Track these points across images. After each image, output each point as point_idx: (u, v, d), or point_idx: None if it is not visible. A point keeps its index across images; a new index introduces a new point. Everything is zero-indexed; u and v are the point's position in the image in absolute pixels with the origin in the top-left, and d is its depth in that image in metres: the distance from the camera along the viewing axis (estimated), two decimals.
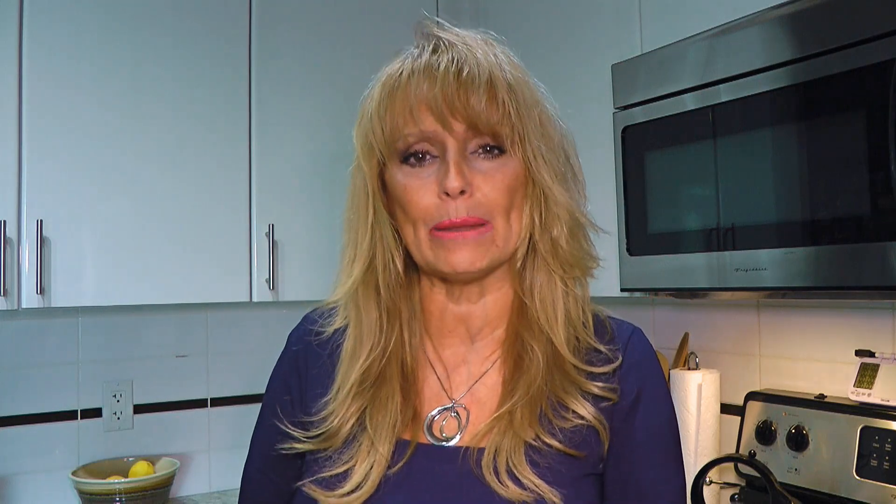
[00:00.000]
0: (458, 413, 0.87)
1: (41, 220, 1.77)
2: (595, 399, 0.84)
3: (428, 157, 0.83)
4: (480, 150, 0.83)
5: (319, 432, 0.86)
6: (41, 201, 1.79)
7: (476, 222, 0.82)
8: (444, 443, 0.85)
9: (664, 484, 0.87)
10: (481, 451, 0.82)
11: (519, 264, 0.88)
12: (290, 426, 0.89)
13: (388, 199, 0.87)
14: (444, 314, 0.90)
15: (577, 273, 0.88)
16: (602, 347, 0.87)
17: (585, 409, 0.83)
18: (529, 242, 0.87)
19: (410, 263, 0.90)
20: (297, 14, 2.11)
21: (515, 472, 0.80)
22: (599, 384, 0.84)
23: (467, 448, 0.83)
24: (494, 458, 0.81)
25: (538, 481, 0.79)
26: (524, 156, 0.84)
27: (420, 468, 0.84)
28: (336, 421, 0.86)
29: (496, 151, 0.83)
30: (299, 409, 0.91)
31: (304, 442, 0.87)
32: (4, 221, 1.73)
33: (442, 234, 0.82)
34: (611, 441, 0.85)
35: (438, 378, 0.89)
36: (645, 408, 0.86)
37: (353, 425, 0.85)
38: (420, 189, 0.83)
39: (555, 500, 0.79)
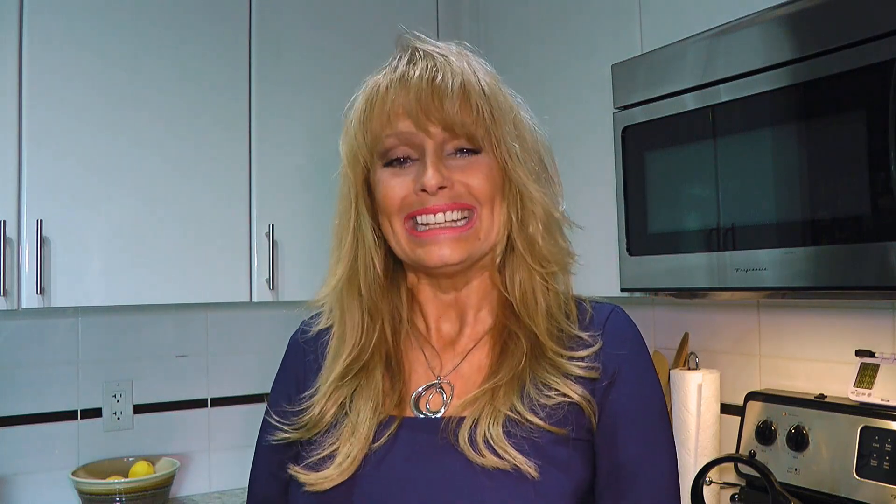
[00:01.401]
0: (442, 388, 0.90)
1: (41, 220, 1.77)
2: (578, 379, 0.87)
3: (409, 160, 0.87)
4: (456, 152, 0.87)
5: (303, 422, 0.90)
6: (41, 201, 1.79)
7: (461, 207, 0.86)
8: (430, 416, 0.89)
9: (647, 463, 0.87)
10: (461, 421, 0.85)
11: (499, 261, 0.92)
12: (277, 418, 0.93)
13: (373, 202, 0.91)
14: (433, 301, 0.94)
15: (554, 269, 0.91)
16: (583, 334, 0.90)
17: (569, 388, 0.85)
18: (508, 241, 0.91)
19: (394, 261, 0.94)
20: (297, 15, 2.11)
21: (492, 441, 0.82)
22: (581, 364, 0.87)
23: (449, 418, 0.86)
24: (472, 428, 0.84)
25: (514, 452, 0.82)
26: (500, 156, 0.88)
27: (401, 440, 0.87)
28: (317, 410, 0.90)
29: (472, 152, 0.87)
30: (288, 404, 0.95)
31: (290, 432, 0.91)
32: (4, 221, 1.73)
33: (420, 233, 0.87)
34: (598, 415, 0.87)
35: (427, 358, 0.93)
36: (623, 384, 0.88)
37: (335, 412, 0.89)
38: (397, 185, 0.87)
39: (530, 470, 0.81)
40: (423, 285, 0.94)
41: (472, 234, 0.87)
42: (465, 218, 0.87)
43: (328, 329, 0.96)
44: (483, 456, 0.82)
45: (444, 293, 0.93)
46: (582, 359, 0.87)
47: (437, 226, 0.86)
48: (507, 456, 0.81)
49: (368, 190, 0.91)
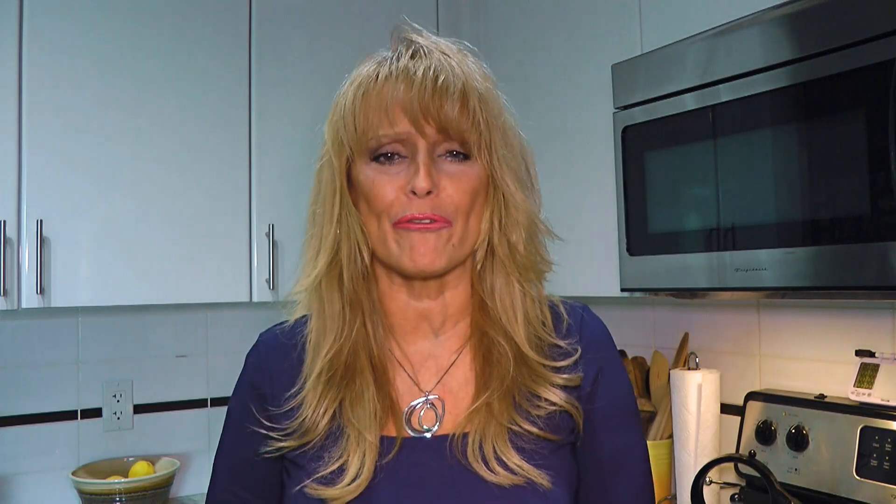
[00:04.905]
0: (433, 404, 0.90)
1: (41, 220, 1.77)
2: (562, 387, 0.89)
3: (397, 157, 0.86)
4: (448, 155, 0.86)
5: (295, 427, 0.88)
6: (41, 201, 1.79)
7: (438, 219, 0.85)
8: (424, 434, 0.88)
9: (631, 446, 0.94)
10: (465, 439, 0.85)
11: (479, 267, 0.91)
12: (266, 426, 0.90)
13: (353, 194, 0.89)
14: (405, 311, 0.92)
15: (532, 276, 0.92)
16: (562, 343, 0.91)
17: (556, 396, 0.88)
18: (488, 246, 0.90)
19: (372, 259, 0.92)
20: (297, 14, 2.11)
21: (503, 457, 0.84)
22: (564, 376, 0.89)
23: (452, 436, 0.86)
24: (480, 446, 0.84)
25: (526, 465, 0.84)
26: (489, 162, 0.87)
27: (409, 461, 0.86)
28: (310, 412, 0.87)
29: (462, 156, 0.87)
30: (273, 408, 0.91)
31: (283, 440, 0.88)
32: (4, 221, 1.73)
33: (406, 225, 0.85)
34: (583, 417, 0.90)
35: (407, 373, 0.92)
36: (607, 383, 0.92)
37: (330, 419, 0.87)
38: (387, 184, 0.85)
39: (544, 482, 0.83)
40: (396, 293, 0.91)
41: (446, 237, 0.86)
42: (441, 225, 0.85)
43: (304, 326, 0.93)
44: (496, 473, 0.83)
45: (418, 301, 0.91)
46: (563, 368, 0.89)
47: (418, 222, 0.85)
48: (520, 471, 0.83)
49: (349, 180, 0.89)
